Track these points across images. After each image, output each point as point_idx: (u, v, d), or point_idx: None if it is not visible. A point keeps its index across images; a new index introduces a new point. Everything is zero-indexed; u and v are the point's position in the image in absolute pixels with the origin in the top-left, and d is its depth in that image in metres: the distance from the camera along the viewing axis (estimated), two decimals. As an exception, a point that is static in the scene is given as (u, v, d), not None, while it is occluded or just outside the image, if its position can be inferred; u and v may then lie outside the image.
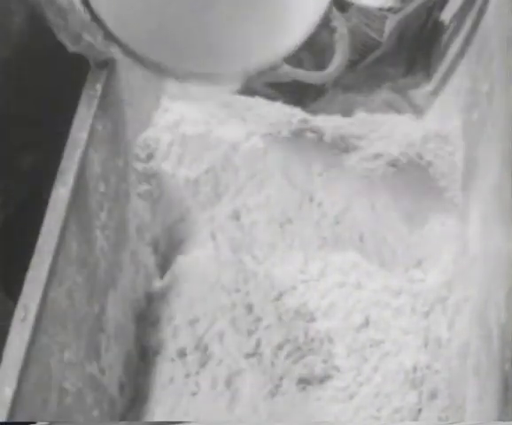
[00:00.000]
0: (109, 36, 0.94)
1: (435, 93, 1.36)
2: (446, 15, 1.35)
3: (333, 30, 1.20)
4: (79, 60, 0.99)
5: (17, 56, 1.03)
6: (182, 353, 1.16)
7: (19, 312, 0.83)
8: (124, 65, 1.02)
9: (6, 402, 0.78)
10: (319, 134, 1.30)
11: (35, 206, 0.93)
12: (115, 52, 0.96)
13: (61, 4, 0.95)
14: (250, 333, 1.16)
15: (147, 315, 1.21)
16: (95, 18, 0.93)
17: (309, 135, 1.30)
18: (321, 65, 1.22)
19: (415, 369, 1.12)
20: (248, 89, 1.29)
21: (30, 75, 1.02)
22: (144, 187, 1.23)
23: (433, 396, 1.07)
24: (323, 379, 1.13)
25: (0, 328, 0.84)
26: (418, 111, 1.36)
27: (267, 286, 1.19)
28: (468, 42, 1.27)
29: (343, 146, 1.30)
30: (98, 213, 1.02)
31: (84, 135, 0.96)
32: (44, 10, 0.96)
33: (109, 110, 1.03)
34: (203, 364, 1.15)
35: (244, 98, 1.32)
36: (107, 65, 1.01)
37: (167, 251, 1.26)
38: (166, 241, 1.27)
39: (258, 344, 1.15)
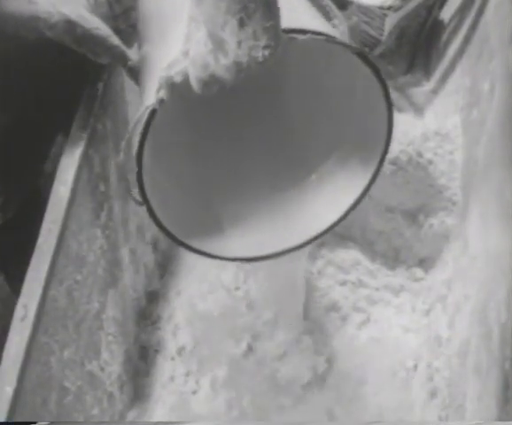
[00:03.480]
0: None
1: (435, 91, 1.35)
2: (446, 14, 1.35)
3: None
4: (79, 60, 0.99)
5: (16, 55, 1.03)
6: (182, 352, 1.16)
7: (18, 312, 0.83)
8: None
9: (6, 401, 0.78)
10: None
11: (35, 206, 0.93)
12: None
13: None
14: (250, 331, 1.16)
15: (147, 314, 1.21)
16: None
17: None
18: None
19: (415, 368, 1.13)
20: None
21: (30, 76, 1.02)
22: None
23: (433, 394, 1.07)
24: (325, 378, 1.13)
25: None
26: (418, 109, 1.35)
27: (267, 284, 1.19)
28: (467, 40, 1.27)
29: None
30: (98, 213, 1.02)
31: (84, 135, 0.96)
32: None
33: (109, 109, 1.03)
34: (203, 363, 1.15)
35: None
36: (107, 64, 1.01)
37: (167, 249, 1.26)
38: (166, 240, 1.26)
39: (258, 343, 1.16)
